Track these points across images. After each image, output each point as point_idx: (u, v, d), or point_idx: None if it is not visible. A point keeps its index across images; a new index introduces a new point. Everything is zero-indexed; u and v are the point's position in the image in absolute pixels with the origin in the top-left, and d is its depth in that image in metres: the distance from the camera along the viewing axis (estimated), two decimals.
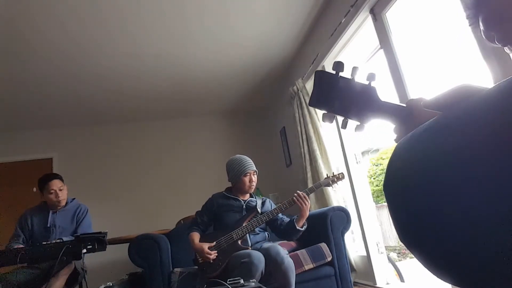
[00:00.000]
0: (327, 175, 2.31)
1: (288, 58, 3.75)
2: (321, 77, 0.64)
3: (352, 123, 0.66)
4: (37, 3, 2.43)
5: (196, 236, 2.13)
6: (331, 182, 2.23)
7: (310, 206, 3.09)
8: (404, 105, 0.61)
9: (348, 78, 0.63)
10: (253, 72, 3.95)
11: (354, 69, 0.63)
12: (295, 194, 2.13)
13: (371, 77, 0.62)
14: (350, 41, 2.75)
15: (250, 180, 2.26)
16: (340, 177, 2.25)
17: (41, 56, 3.05)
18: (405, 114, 0.60)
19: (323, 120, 0.66)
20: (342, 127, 0.67)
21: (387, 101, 0.62)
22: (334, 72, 0.63)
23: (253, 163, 2.30)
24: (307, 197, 2.13)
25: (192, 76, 3.82)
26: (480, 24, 0.88)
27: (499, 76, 1.44)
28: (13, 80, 3.37)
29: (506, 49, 0.87)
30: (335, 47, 2.81)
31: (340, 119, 0.65)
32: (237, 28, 3.08)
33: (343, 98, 0.62)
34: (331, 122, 0.66)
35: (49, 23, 2.65)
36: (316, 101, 0.64)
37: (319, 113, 3.10)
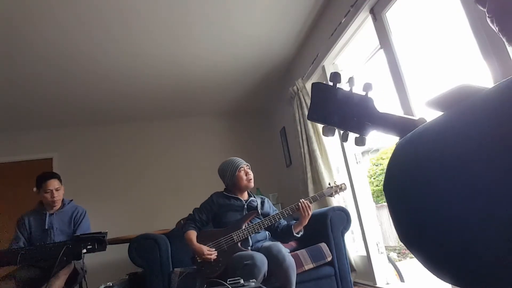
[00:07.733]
0: (329, 184, 2.31)
1: (288, 58, 3.75)
2: (318, 90, 0.63)
3: (352, 135, 0.64)
4: (37, 4, 2.43)
5: (193, 235, 2.09)
6: (333, 193, 2.25)
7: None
8: (412, 117, 0.59)
9: (345, 90, 0.62)
10: (253, 72, 3.95)
11: (351, 79, 0.62)
12: (301, 201, 2.13)
13: (367, 87, 0.61)
14: (350, 41, 2.75)
15: (246, 174, 2.27)
16: (343, 187, 2.28)
17: (41, 56, 3.05)
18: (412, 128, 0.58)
19: (323, 134, 0.65)
20: (343, 140, 0.66)
21: (387, 113, 0.60)
22: (331, 83, 0.62)
23: (243, 160, 2.34)
24: (310, 207, 2.13)
25: (192, 76, 3.82)
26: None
27: (499, 76, 1.44)
28: (13, 80, 3.36)
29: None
30: (335, 47, 2.81)
31: (340, 132, 0.64)
32: (237, 28, 3.08)
33: (342, 111, 0.62)
34: (333, 135, 0.64)
35: (49, 23, 2.65)
36: (315, 115, 0.64)
37: None
